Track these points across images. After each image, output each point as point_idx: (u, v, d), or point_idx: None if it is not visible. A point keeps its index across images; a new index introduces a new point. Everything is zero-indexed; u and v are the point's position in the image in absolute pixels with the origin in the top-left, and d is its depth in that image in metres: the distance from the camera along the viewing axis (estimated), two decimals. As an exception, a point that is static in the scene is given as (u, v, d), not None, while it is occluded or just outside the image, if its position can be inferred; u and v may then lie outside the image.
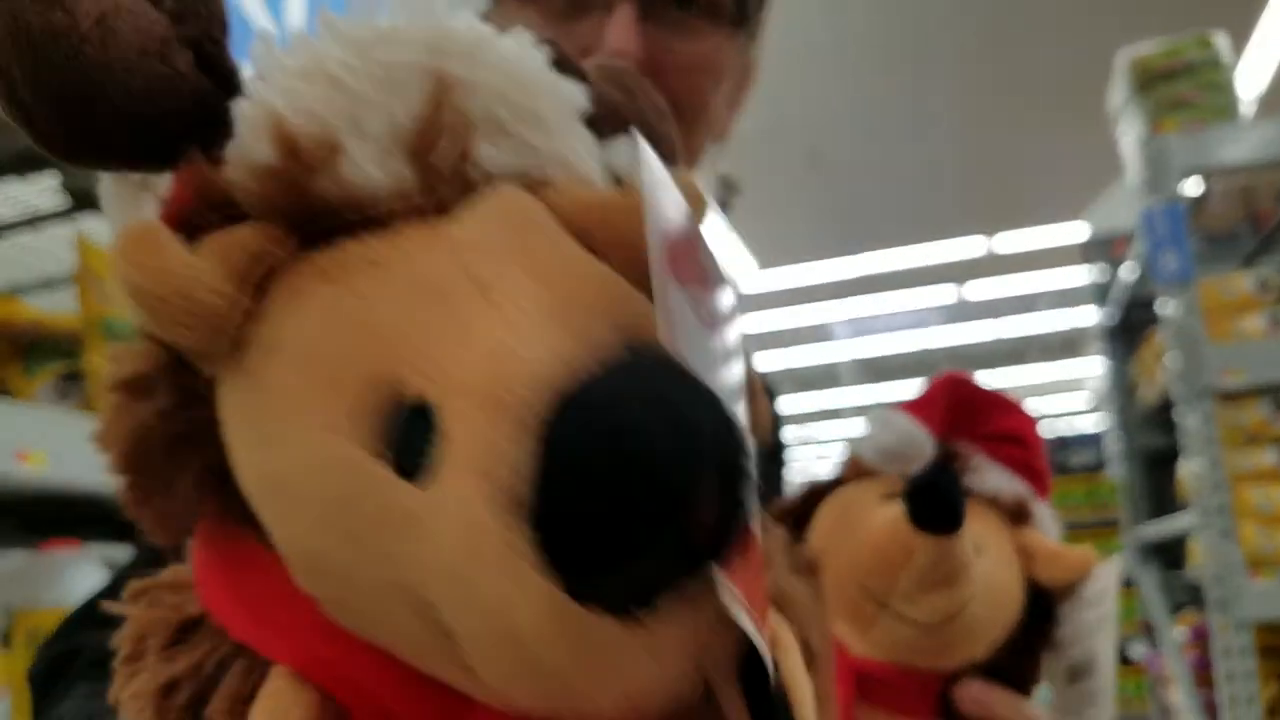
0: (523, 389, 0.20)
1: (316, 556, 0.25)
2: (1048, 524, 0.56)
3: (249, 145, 0.27)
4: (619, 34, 0.67)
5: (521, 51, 0.30)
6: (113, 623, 0.63)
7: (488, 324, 0.23)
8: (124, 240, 0.25)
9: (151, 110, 0.27)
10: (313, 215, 0.26)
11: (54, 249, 1.69)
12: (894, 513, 0.48)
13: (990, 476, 0.54)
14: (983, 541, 0.51)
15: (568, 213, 0.28)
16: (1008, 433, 0.56)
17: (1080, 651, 0.54)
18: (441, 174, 0.27)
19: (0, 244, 1.71)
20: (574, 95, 0.31)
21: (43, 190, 1.57)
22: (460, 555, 0.21)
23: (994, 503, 0.53)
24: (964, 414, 0.56)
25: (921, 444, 0.55)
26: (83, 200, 1.55)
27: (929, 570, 0.47)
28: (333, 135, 0.26)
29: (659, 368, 0.21)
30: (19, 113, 0.26)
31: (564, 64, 0.32)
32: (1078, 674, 0.54)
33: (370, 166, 0.26)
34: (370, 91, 0.27)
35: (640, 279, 0.25)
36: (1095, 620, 0.53)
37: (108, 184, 0.30)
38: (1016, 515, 0.54)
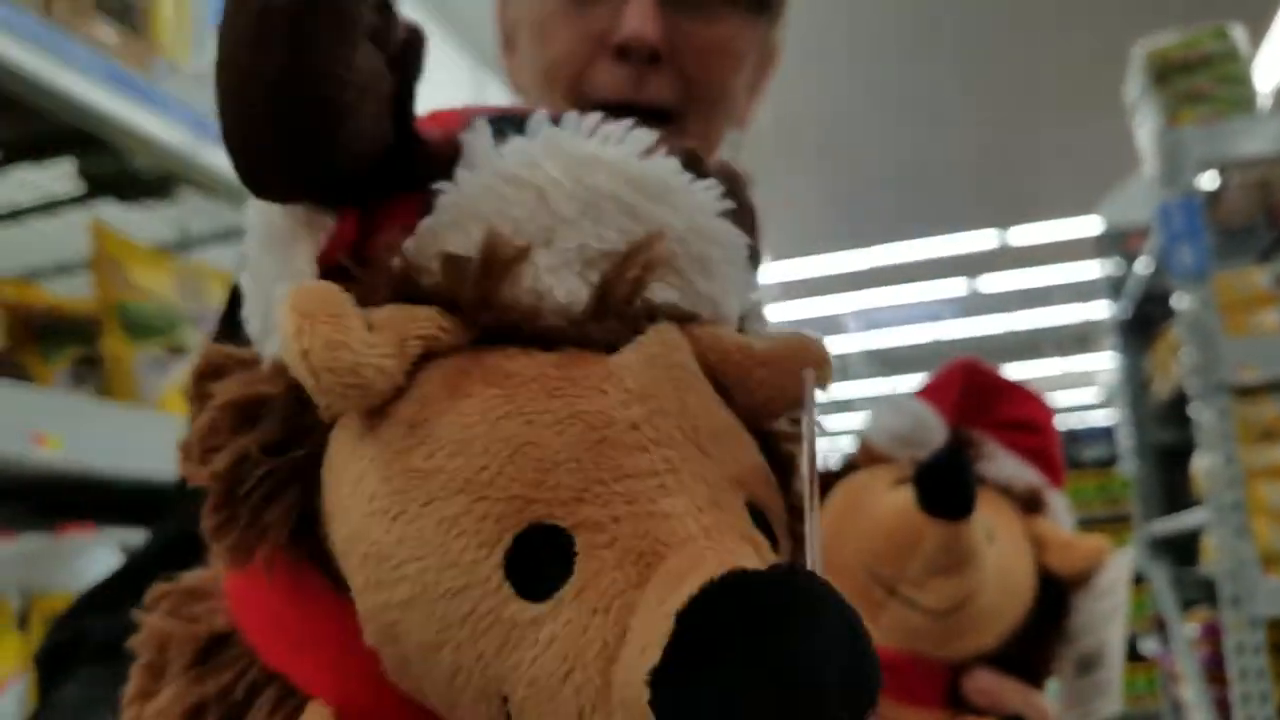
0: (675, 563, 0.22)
1: (400, 627, 0.25)
2: (1061, 513, 0.55)
3: (446, 234, 0.28)
4: (637, 18, 0.67)
5: (707, 198, 0.32)
6: (119, 609, 0.63)
7: (642, 478, 0.24)
8: (306, 303, 0.25)
9: (360, 159, 0.28)
10: (490, 316, 0.27)
11: (70, 235, 1.70)
12: (904, 498, 0.48)
13: (1003, 464, 0.54)
14: (994, 529, 0.50)
15: (708, 352, 0.30)
16: (1022, 420, 0.56)
17: (1091, 642, 0.53)
18: (617, 307, 0.28)
19: (17, 229, 1.72)
20: (739, 243, 0.32)
21: (58, 176, 1.58)
22: (560, 680, 0.22)
23: (1007, 491, 0.53)
24: (978, 401, 0.56)
25: (933, 429, 0.54)
26: (98, 185, 1.55)
27: (938, 555, 0.47)
28: (530, 248, 0.28)
29: (804, 601, 0.21)
30: (243, 152, 0.27)
31: (694, 164, 0.33)
32: (1087, 665, 0.53)
33: (553, 282, 0.28)
34: (571, 212, 0.28)
35: (743, 416, 0.30)
36: (1107, 610, 0.53)
37: (267, 213, 0.30)
38: (1029, 504, 0.53)
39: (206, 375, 0.29)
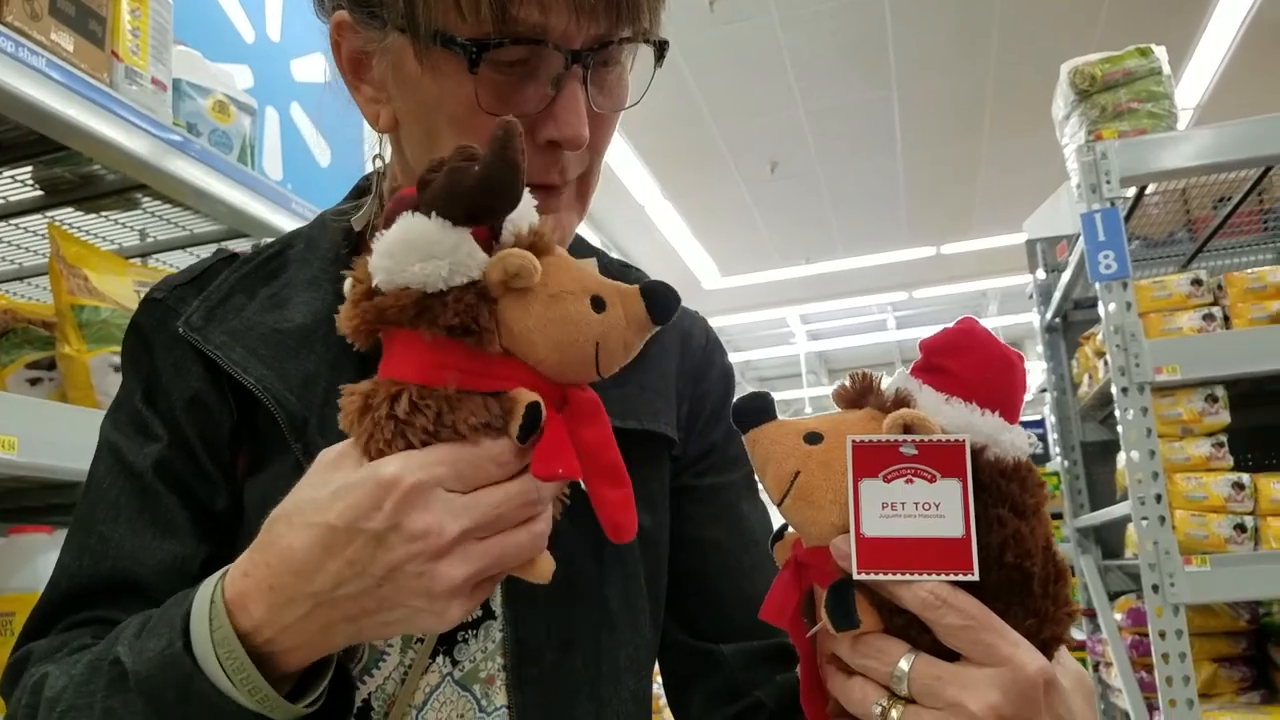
0: None
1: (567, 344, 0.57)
2: (944, 411, 0.58)
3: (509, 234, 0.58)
4: (574, 122, 0.69)
5: None
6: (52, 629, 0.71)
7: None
8: (505, 255, 0.56)
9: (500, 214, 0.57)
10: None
11: (28, 240, 1.70)
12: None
13: (925, 400, 0.59)
14: (826, 430, 0.58)
15: None
16: (941, 346, 0.61)
17: None
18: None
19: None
20: None
21: (15, 182, 1.57)
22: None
23: (898, 403, 0.59)
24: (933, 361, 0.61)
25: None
26: (57, 191, 1.56)
27: (751, 460, 0.61)
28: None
29: None
30: (465, 197, 0.54)
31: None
32: None
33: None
34: None
35: None
36: None
37: (453, 230, 0.55)
38: (897, 403, 0.59)
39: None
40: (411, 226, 0.54)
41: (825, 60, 5.98)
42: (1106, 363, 2.35)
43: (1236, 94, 6.09)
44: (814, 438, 0.58)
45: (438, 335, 0.54)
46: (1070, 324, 3.25)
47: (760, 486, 0.65)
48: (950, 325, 0.61)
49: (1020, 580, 0.56)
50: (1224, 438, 2.29)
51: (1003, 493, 0.56)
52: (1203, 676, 2.37)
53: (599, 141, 0.75)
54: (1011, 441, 0.57)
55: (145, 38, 1.46)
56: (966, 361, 0.59)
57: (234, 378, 0.73)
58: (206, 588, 0.58)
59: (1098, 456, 3.10)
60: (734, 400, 0.62)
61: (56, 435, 1.28)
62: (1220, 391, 2.29)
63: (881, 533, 0.55)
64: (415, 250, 0.54)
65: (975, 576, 0.54)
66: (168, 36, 1.50)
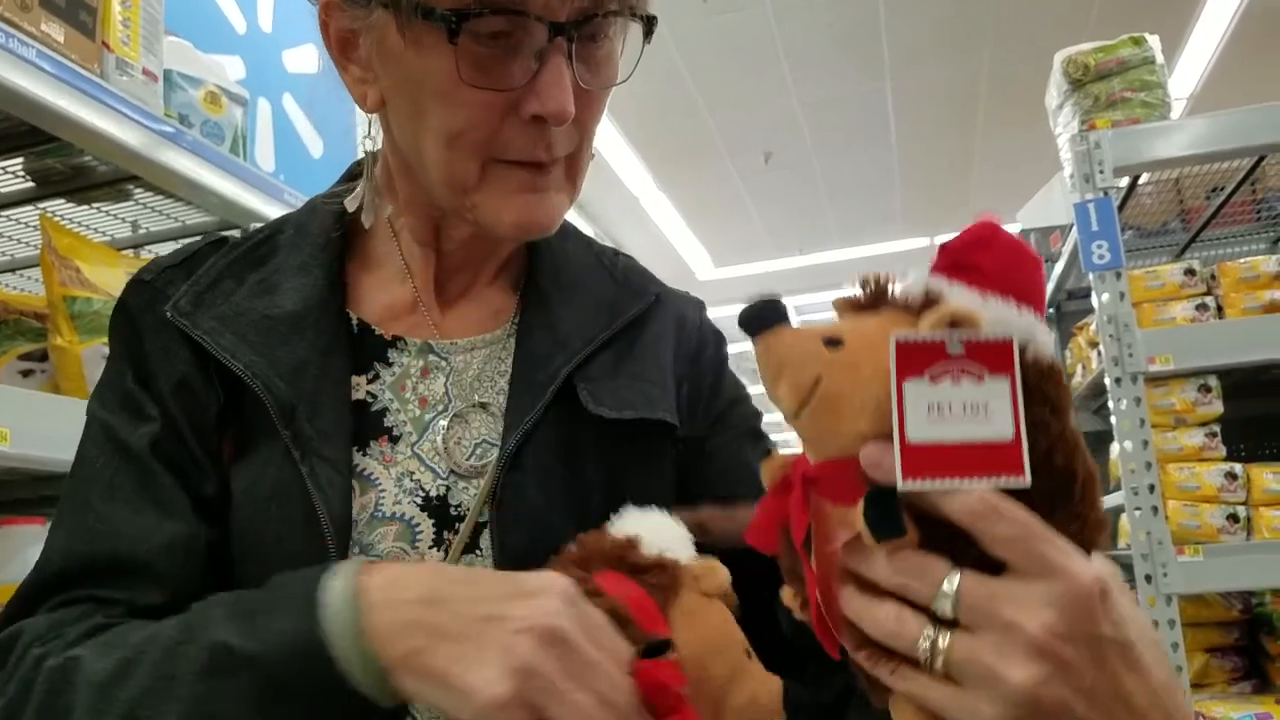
0: None
1: None
2: (993, 309, 0.52)
3: None
4: (560, 97, 0.68)
5: None
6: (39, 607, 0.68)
7: None
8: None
9: None
10: None
11: (20, 231, 1.69)
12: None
13: (948, 293, 0.54)
14: (843, 335, 0.54)
15: None
16: (970, 243, 0.55)
17: None
18: None
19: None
20: None
21: (6, 174, 1.57)
22: None
23: (927, 303, 0.53)
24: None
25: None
26: (49, 183, 1.55)
27: (762, 369, 0.55)
28: None
29: None
30: None
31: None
32: None
33: None
34: None
35: None
36: None
37: None
38: (927, 303, 0.53)
39: None
40: None
41: (819, 51, 5.97)
42: (1100, 353, 2.35)
43: (1230, 83, 6.10)
44: (833, 342, 0.53)
45: None
46: (1064, 314, 3.26)
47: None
48: (971, 224, 0.56)
49: (1065, 483, 0.51)
50: (1217, 428, 2.29)
51: (1045, 393, 0.52)
52: (1195, 667, 2.38)
53: (587, 119, 0.74)
54: (1045, 341, 0.53)
55: (136, 28, 1.45)
56: (996, 257, 0.54)
57: (222, 363, 0.73)
58: (338, 579, 0.59)
59: (1092, 446, 3.07)
60: (742, 309, 0.57)
61: (49, 427, 1.28)
62: (1213, 381, 2.29)
63: (928, 437, 0.50)
64: None
65: (1027, 481, 0.49)
66: (159, 27, 1.50)
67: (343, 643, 0.55)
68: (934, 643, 0.49)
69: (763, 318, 0.55)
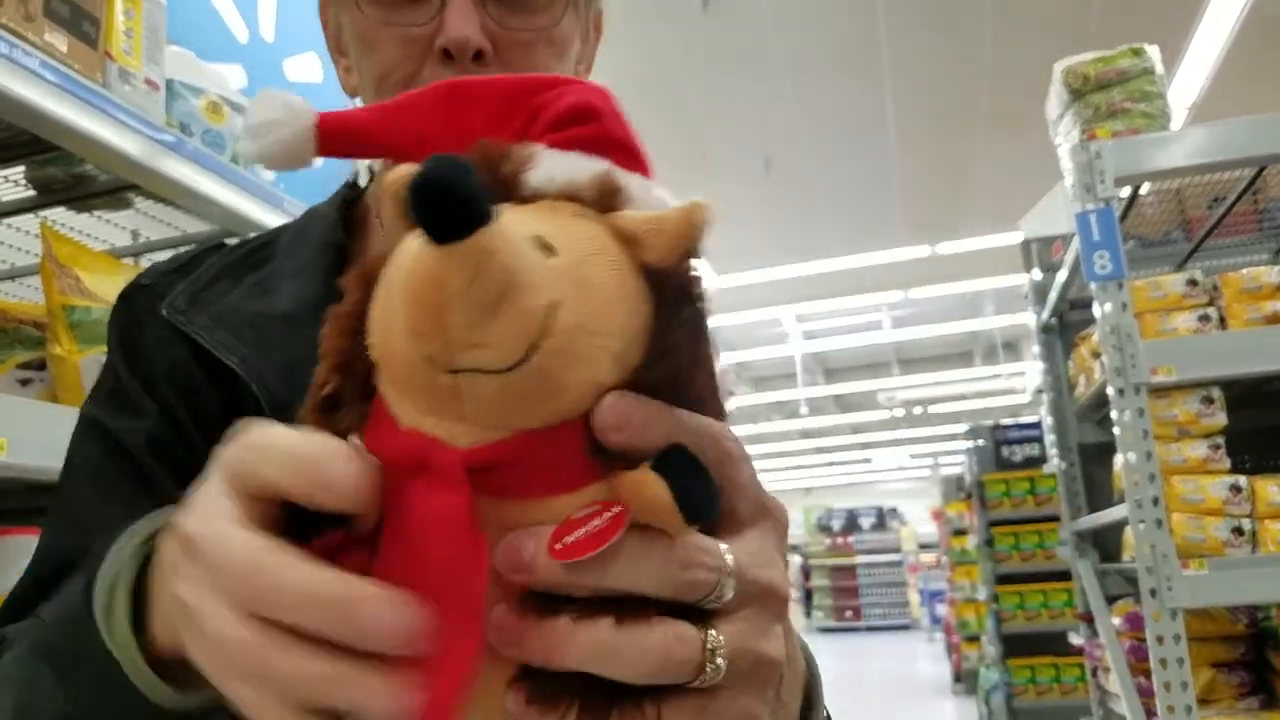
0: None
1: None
2: (649, 196, 0.42)
3: None
4: (459, 21, 0.69)
5: None
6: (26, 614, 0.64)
7: None
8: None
9: None
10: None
11: (20, 240, 1.68)
12: (413, 241, 0.35)
13: (558, 164, 0.41)
14: (551, 236, 0.36)
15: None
16: (570, 112, 0.43)
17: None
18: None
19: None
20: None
21: (8, 182, 1.56)
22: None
23: (571, 196, 0.40)
24: (499, 109, 0.44)
25: (300, 111, 0.45)
26: (49, 191, 1.55)
27: (471, 291, 0.33)
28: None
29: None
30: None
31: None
32: None
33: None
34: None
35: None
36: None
37: None
38: (604, 198, 0.40)
39: None
40: None
41: (818, 58, 5.98)
42: (1103, 364, 2.35)
43: (1231, 93, 6.10)
44: (547, 248, 0.36)
45: None
46: (1066, 324, 3.25)
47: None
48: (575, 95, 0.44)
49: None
50: (1221, 440, 2.28)
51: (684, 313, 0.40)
52: (1201, 682, 2.36)
53: (513, 60, 0.73)
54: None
55: (139, 38, 1.45)
56: (611, 126, 0.44)
57: (217, 360, 0.72)
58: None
59: (1095, 458, 3.09)
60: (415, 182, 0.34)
61: (47, 436, 1.28)
62: (1216, 393, 2.28)
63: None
64: None
65: None
66: (161, 36, 1.49)
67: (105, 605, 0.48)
68: (714, 650, 0.36)
69: (466, 205, 0.32)
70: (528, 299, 0.33)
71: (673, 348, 0.38)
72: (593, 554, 0.34)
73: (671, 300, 0.38)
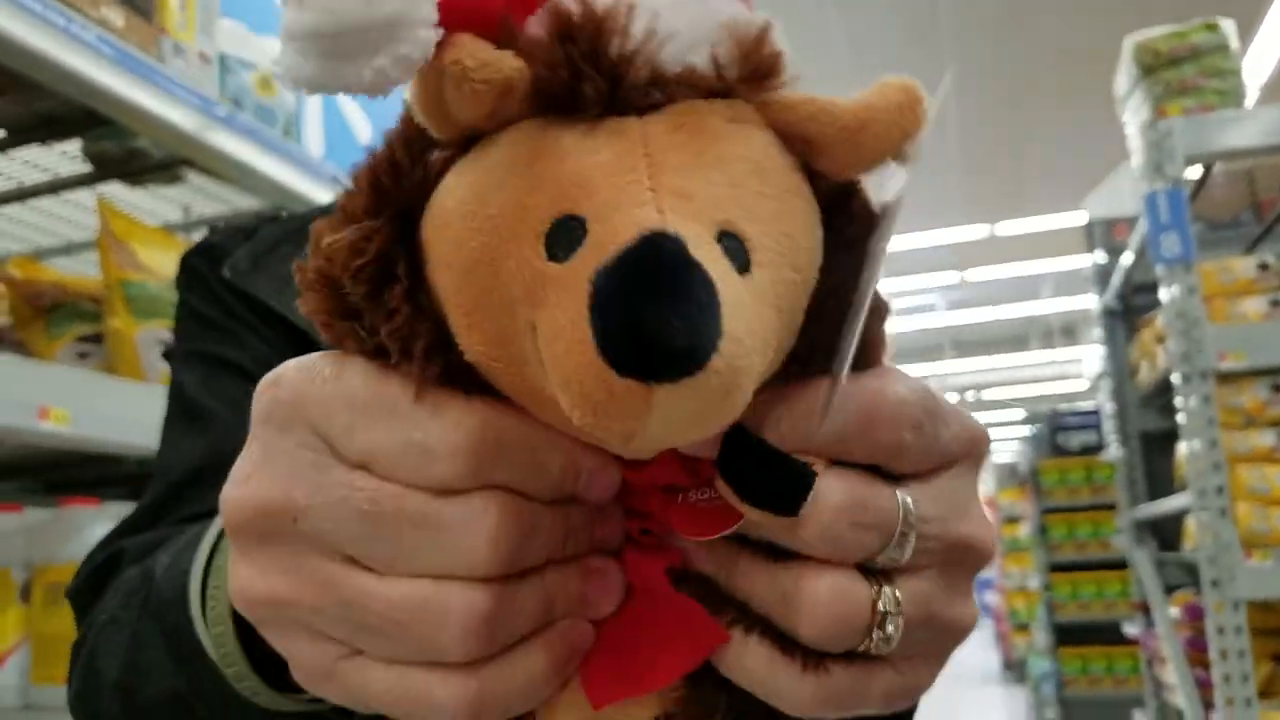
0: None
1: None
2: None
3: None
4: None
5: None
6: (152, 529, 0.63)
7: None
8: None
9: None
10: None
11: (76, 214, 1.71)
12: (580, 331, 0.28)
13: (665, 11, 0.31)
14: (740, 220, 0.30)
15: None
16: None
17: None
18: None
19: (23, 209, 1.74)
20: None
21: (65, 156, 1.59)
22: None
23: (707, 80, 0.31)
24: None
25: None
26: (105, 166, 1.57)
27: (690, 416, 0.28)
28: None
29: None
30: None
31: None
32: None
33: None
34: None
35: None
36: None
37: None
38: (759, 69, 0.31)
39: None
40: None
41: (878, 33, 5.88)
42: (1167, 349, 2.28)
43: (1307, 71, 5.88)
44: (735, 250, 0.30)
45: None
46: (1129, 308, 3.16)
47: None
48: None
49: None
50: (1289, 428, 2.21)
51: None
52: (1262, 674, 2.30)
53: None
54: None
55: (192, 12, 1.45)
56: None
57: (286, 321, 0.71)
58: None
59: (1156, 446, 3.01)
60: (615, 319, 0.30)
61: (107, 408, 1.30)
62: (1287, 381, 2.21)
63: None
64: None
65: None
66: (214, 10, 1.50)
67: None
68: (886, 614, 0.32)
69: (692, 352, 0.26)
70: (749, 389, 0.28)
71: (842, 298, 0.32)
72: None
73: (851, 237, 0.34)
